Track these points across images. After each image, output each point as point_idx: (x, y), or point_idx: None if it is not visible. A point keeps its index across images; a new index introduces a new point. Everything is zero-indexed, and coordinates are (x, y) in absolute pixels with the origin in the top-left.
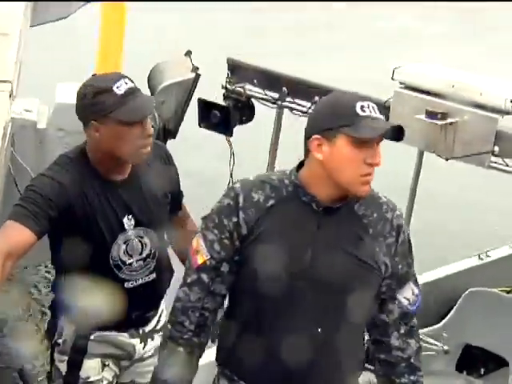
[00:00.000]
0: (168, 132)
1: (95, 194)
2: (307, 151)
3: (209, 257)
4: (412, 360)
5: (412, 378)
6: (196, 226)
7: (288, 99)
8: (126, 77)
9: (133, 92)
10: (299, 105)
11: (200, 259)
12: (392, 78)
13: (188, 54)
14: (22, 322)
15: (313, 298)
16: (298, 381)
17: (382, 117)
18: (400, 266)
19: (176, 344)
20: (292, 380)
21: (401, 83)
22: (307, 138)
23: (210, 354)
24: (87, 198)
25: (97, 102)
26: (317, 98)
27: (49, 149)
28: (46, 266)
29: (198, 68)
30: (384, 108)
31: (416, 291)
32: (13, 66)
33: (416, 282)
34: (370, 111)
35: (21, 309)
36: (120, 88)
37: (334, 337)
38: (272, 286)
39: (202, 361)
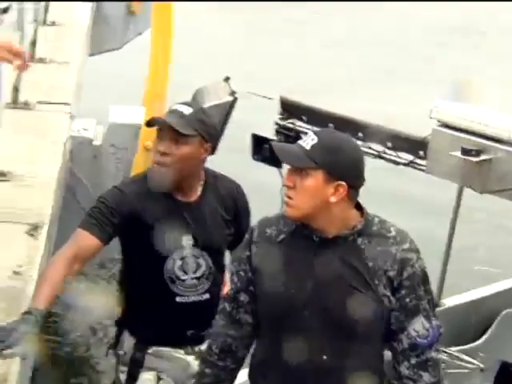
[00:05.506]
0: None
1: (159, 209)
2: None
3: (230, 287)
4: None
5: None
6: None
7: None
8: (190, 104)
9: (174, 111)
10: None
11: (227, 289)
12: (430, 117)
13: (226, 79)
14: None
15: (317, 327)
16: None
17: (304, 145)
18: (408, 300)
19: (204, 365)
20: None
21: (438, 121)
22: None
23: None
24: (150, 210)
25: None
26: (360, 134)
27: (102, 163)
28: None
29: (235, 92)
30: (423, 144)
31: (427, 325)
32: (72, 91)
33: (428, 317)
34: (306, 140)
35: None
36: (173, 106)
37: (340, 364)
38: (280, 316)
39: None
